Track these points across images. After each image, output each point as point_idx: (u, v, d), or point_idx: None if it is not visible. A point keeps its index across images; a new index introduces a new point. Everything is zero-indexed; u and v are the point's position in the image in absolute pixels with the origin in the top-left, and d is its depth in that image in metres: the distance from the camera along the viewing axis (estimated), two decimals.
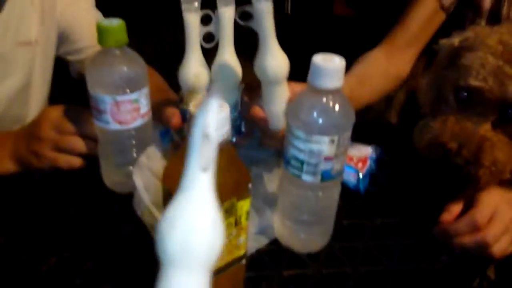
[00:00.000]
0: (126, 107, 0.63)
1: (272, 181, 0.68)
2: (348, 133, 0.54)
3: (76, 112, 0.69)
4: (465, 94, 0.64)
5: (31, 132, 0.68)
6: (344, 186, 0.67)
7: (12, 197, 0.71)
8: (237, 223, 0.47)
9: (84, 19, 0.91)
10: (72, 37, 0.91)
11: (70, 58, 0.94)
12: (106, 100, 0.62)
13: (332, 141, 0.53)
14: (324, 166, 0.55)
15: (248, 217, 0.48)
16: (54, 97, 0.98)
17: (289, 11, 2.50)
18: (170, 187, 0.44)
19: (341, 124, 0.53)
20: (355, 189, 0.72)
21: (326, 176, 0.55)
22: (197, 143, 0.31)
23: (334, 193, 0.60)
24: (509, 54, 0.61)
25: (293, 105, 0.55)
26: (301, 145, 0.54)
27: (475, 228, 0.61)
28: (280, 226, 0.63)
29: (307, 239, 0.62)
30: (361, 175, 0.72)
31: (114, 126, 0.64)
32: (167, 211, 0.31)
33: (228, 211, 0.45)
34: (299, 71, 0.60)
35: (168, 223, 0.31)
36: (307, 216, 0.60)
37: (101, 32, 0.60)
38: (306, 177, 0.56)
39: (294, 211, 0.61)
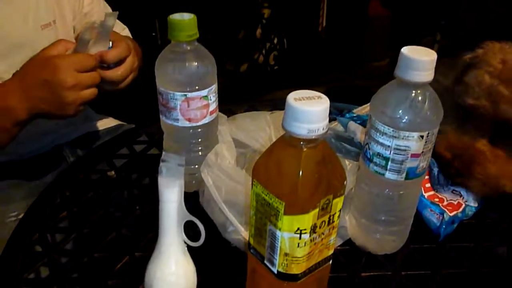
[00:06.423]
0: (197, 104, 0.62)
1: None
2: (436, 129, 0.52)
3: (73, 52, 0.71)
4: (465, 110, 0.66)
5: (56, 86, 0.67)
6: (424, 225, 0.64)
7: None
8: (330, 222, 0.45)
9: None
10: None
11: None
12: (176, 96, 0.61)
13: (421, 137, 0.51)
14: (410, 164, 0.52)
15: (340, 215, 0.46)
16: None
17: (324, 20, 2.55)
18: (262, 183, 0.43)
19: (431, 120, 0.51)
20: (436, 231, 0.63)
21: (411, 174, 0.53)
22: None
23: (415, 192, 0.58)
24: (507, 74, 0.62)
25: (378, 99, 0.53)
26: (386, 141, 0.52)
27: None
28: (355, 226, 0.61)
29: (383, 239, 0.60)
30: (446, 217, 0.62)
31: (183, 123, 0.63)
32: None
33: (324, 209, 0.43)
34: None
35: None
36: (385, 215, 0.58)
37: (173, 27, 0.59)
38: (390, 175, 0.53)
39: (372, 210, 0.58)
